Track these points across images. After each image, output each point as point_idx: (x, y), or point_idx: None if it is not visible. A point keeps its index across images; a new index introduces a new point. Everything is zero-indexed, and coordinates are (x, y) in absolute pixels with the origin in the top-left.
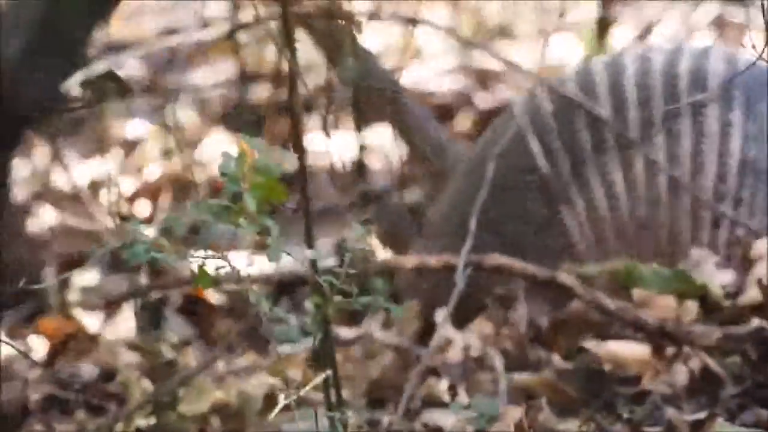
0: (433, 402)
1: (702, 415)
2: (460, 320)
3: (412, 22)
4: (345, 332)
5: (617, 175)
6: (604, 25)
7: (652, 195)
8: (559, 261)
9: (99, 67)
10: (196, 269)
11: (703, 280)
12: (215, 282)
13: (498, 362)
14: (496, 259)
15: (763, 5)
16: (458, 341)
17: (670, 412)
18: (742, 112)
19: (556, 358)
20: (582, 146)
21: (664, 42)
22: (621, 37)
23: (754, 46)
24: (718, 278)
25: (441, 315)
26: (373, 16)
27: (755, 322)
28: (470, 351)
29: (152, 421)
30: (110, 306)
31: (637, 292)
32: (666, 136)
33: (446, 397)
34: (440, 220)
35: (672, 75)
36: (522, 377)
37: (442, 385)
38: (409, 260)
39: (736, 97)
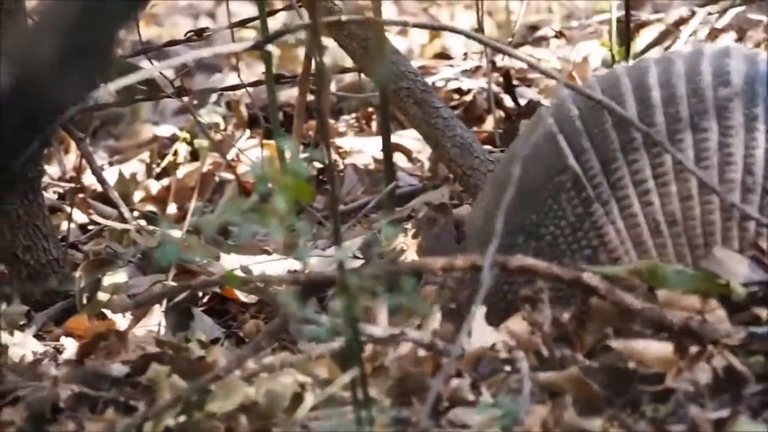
0: (456, 401)
1: (725, 413)
2: (493, 321)
3: (438, 27)
4: (377, 330)
5: (647, 172)
6: (628, 27)
7: (683, 190)
8: (595, 260)
9: (130, 70)
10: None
11: (726, 279)
12: (244, 282)
13: (523, 362)
14: (521, 260)
15: None
16: (487, 340)
17: (694, 410)
18: (766, 106)
19: (580, 357)
20: (611, 146)
21: (686, 45)
22: (645, 38)
23: None
24: (741, 275)
25: (473, 315)
26: (400, 23)
27: None
28: (497, 350)
29: (181, 419)
30: (140, 307)
31: (661, 293)
32: (693, 132)
33: (470, 396)
34: (479, 228)
35: (695, 74)
36: (547, 375)
37: (466, 384)
38: (438, 262)
39: (759, 92)
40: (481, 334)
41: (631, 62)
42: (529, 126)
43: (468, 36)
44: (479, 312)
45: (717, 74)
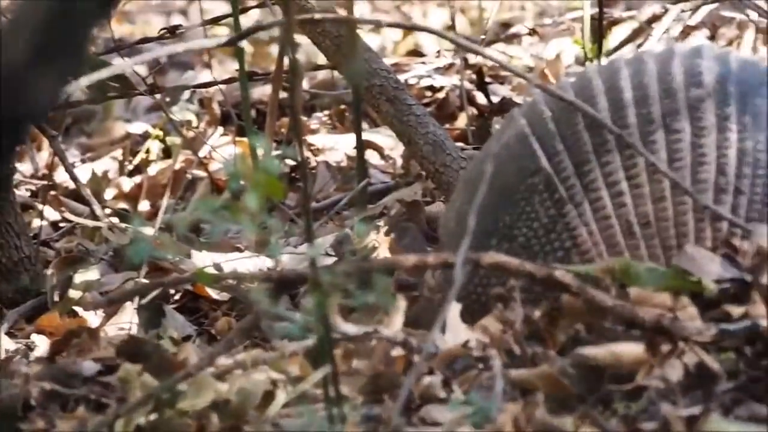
0: (428, 398)
1: (697, 410)
2: (467, 320)
3: (410, 27)
4: (350, 328)
5: (620, 174)
6: (601, 25)
7: (656, 191)
8: (567, 262)
9: (102, 67)
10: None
11: (697, 276)
12: (216, 280)
13: (496, 359)
14: (494, 257)
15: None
16: (461, 338)
17: (665, 407)
18: (738, 106)
19: (552, 354)
20: (584, 148)
21: (659, 42)
22: (618, 36)
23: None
24: (713, 273)
25: (446, 312)
26: (374, 22)
27: (750, 318)
28: (470, 348)
29: (152, 417)
30: (112, 305)
31: (633, 290)
32: (665, 133)
33: (442, 394)
34: (453, 229)
35: (666, 74)
36: (519, 373)
37: (437, 382)
38: (410, 259)
39: (731, 92)
40: (455, 331)
41: (603, 60)
42: (502, 126)
43: (439, 35)
44: (453, 310)
45: (689, 74)
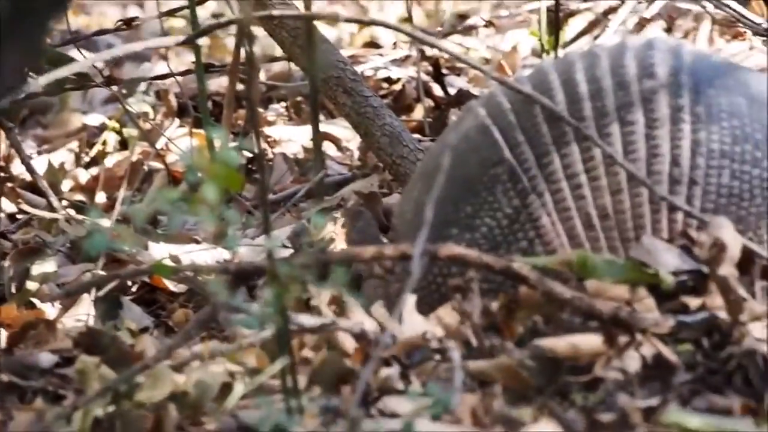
0: (386, 390)
1: (654, 401)
2: (425, 311)
3: (368, 23)
4: (308, 320)
5: (578, 166)
6: (557, 16)
7: (613, 183)
8: (531, 252)
9: (58, 58)
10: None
11: (654, 269)
12: (174, 271)
13: (455, 351)
14: (451, 248)
15: None
16: (418, 329)
17: (623, 398)
18: (691, 97)
19: (510, 346)
20: (543, 140)
21: (615, 34)
22: (575, 27)
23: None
24: (670, 264)
25: (402, 303)
26: (330, 16)
27: (707, 310)
28: (428, 339)
29: (109, 409)
30: (70, 297)
31: (590, 283)
32: (620, 125)
33: (400, 385)
34: (410, 220)
35: (619, 66)
36: (478, 364)
37: (395, 373)
38: (368, 251)
39: (684, 83)
40: (411, 323)
41: (560, 52)
42: (459, 118)
43: (396, 29)
44: (409, 301)
45: (641, 66)
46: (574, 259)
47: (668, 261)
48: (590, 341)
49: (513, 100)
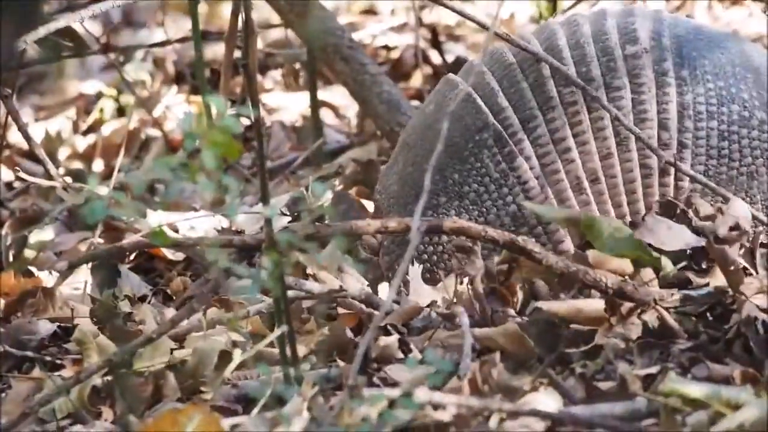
0: (385, 359)
1: (654, 369)
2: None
3: None
4: (314, 286)
5: (565, 130)
6: None
7: (602, 148)
8: (520, 216)
9: (55, 23)
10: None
11: (657, 252)
12: (178, 244)
13: (464, 316)
14: (456, 222)
15: None
16: (424, 298)
17: (622, 366)
18: (674, 60)
19: (512, 312)
20: (529, 105)
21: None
22: None
23: None
24: (672, 243)
25: (401, 272)
26: None
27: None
28: (436, 307)
29: (108, 378)
30: (73, 268)
31: (592, 253)
32: (606, 91)
33: (399, 354)
34: (396, 192)
35: (601, 33)
36: (483, 331)
37: (394, 342)
38: (372, 224)
39: (666, 47)
40: (419, 291)
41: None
42: (436, 90)
43: None
44: (416, 271)
45: (623, 32)
46: (582, 219)
47: (671, 241)
48: (593, 305)
49: (494, 69)
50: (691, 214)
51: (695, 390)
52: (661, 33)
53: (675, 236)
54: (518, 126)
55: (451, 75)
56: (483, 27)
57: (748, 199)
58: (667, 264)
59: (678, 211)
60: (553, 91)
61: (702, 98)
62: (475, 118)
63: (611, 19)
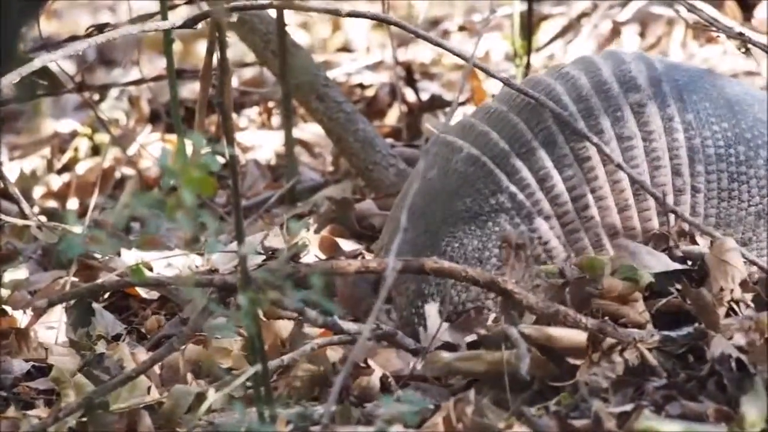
0: (366, 396)
1: (628, 407)
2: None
3: (345, 14)
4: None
5: (583, 187)
6: (530, 21)
7: (619, 201)
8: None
9: (31, 64)
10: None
11: (648, 277)
12: (159, 283)
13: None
14: (438, 262)
15: None
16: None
17: (597, 404)
18: (678, 105)
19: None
20: (543, 164)
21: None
22: (548, 32)
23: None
24: (652, 266)
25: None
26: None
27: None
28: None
29: (83, 418)
30: (51, 306)
31: (606, 280)
32: (618, 142)
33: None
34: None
35: (601, 83)
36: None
37: (374, 378)
38: (352, 264)
39: (667, 92)
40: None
41: (533, 56)
42: (436, 154)
43: (392, 23)
44: (432, 309)
45: (622, 80)
46: (581, 261)
47: (653, 264)
48: (572, 335)
49: (499, 129)
50: (678, 247)
51: (669, 428)
52: (660, 78)
53: (657, 260)
54: (535, 186)
55: (449, 137)
56: (463, 58)
57: (755, 238)
58: (644, 275)
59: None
60: (566, 148)
61: (710, 141)
62: (487, 182)
63: (605, 68)
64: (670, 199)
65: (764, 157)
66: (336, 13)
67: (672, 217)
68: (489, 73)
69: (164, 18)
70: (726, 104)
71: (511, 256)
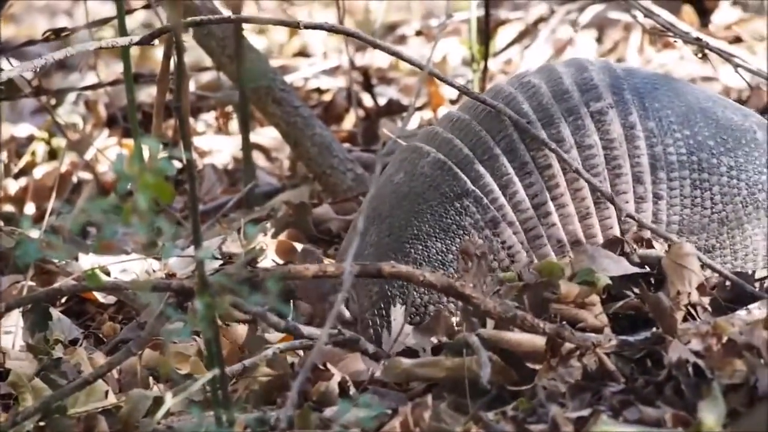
0: (325, 401)
1: (585, 412)
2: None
3: (303, 26)
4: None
5: (544, 195)
6: (488, 26)
7: (580, 208)
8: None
9: None
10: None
11: (605, 280)
12: (116, 288)
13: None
14: (395, 266)
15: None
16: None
17: (554, 409)
18: (639, 113)
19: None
20: (505, 171)
21: (546, 43)
22: (505, 37)
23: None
24: (610, 269)
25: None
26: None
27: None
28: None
29: (41, 422)
30: (8, 311)
31: (563, 284)
32: (579, 150)
33: (336, 393)
34: (376, 260)
35: (562, 92)
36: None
37: (333, 383)
38: (310, 269)
39: (629, 100)
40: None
41: (490, 61)
42: (402, 159)
43: (348, 34)
44: (399, 312)
45: (582, 89)
46: (540, 266)
47: (611, 267)
48: (531, 340)
49: (462, 137)
50: (635, 252)
51: None
52: (621, 86)
53: (615, 264)
54: (498, 192)
55: (417, 143)
56: (419, 67)
57: (718, 245)
58: (601, 278)
59: (623, 248)
60: (527, 156)
61: (672, 148)
62: (452, 186)
63: (567, 77)
64: (631, 207)
65: (727, 164)
66: (294, 25)
67: (633, 223)
68: (445, 81)
69: (121, 21)
70: (688, 111)
71: (473, 266)
